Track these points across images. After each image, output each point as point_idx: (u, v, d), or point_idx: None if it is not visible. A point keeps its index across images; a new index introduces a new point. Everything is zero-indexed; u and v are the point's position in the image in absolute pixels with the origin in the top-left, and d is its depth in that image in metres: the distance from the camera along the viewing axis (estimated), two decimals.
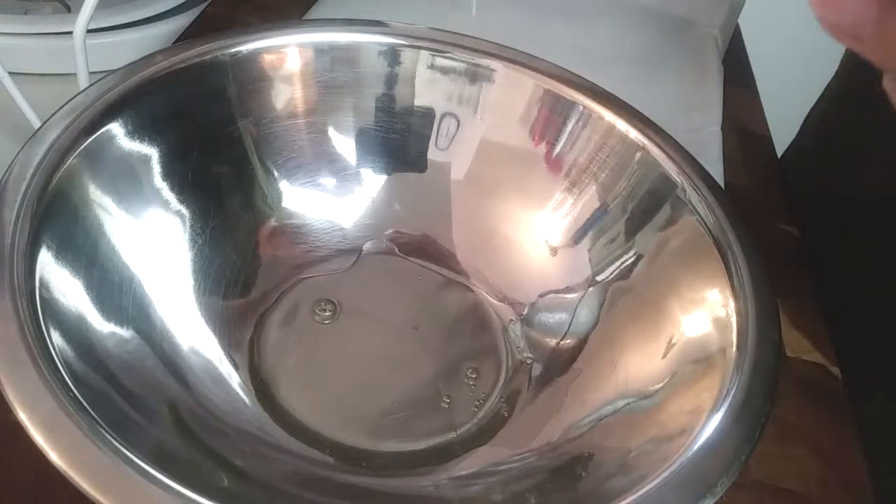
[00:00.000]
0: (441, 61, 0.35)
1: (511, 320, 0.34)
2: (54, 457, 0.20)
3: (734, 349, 0.26)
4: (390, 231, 0.36)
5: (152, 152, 0.30)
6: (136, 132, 0.30)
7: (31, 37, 0.48)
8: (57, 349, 0.23)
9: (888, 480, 0.33)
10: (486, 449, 0.29)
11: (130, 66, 0.31)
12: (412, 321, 0.33)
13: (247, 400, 0.29)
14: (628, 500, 0.22)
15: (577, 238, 0.34)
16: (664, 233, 0.31)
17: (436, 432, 0.30)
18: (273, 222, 0.35)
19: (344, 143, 0.36)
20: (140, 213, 0.30)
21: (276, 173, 0.35)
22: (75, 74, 0.37)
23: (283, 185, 0.35)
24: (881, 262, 0.42)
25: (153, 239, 0.30)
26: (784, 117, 0.57)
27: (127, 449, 0.20)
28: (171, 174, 0.31)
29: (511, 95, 0.35)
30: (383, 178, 0.36)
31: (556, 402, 0.30)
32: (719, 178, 0.42)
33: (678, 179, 0.31)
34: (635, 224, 0.32)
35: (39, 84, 0.45)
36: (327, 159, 0.36)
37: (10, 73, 0.39)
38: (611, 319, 0.31)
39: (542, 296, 0.34)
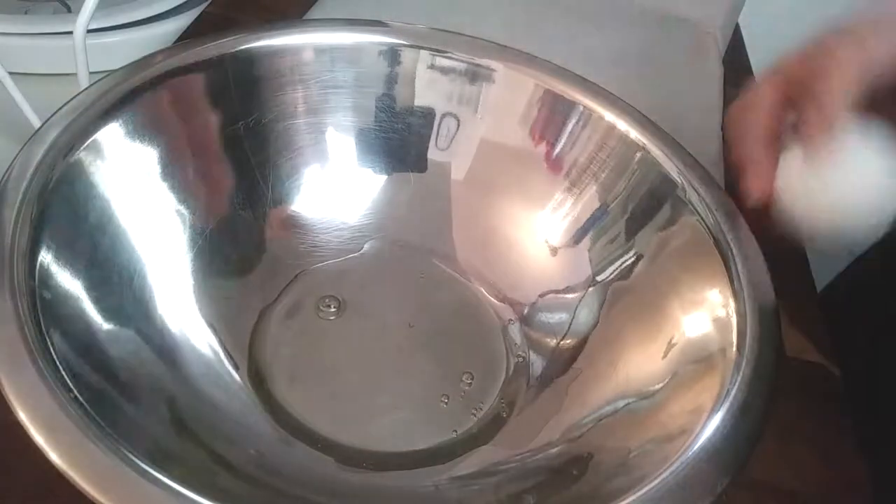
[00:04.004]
0: (441, 61, 0.35)
1: (511, 320, 0.34)
2: (54, 457, 0.20)
3: (734, 349, 0.26)
4: (391, 230, 0.36)
5: (152, 152, 0.30)
6: (137, 132, 0.30)
7: (31, 37, 0.48)
8: (57, 349, 0.23)
9: (888, 480, 0.33)
10: (486, 449, 0.29)
11: (130, 66, 0.31)
12: (412, 321, 0.33)
13: (247, 400, 0.29)
14: (628, 500, 0.22)
15: (577, 238, 0.34)
16: (664, 233, 0.31)
17: (436, 432, 0.30)
18: (273, 222, 0.35)
19: (344, 143, 0.36)
20: (140, 214, 0.30)
21: (276, 173, 0.35)
22: (75, 74, 0.37)
23: (284, 185, 0.35)
24: (881, 261, 0.42)
25: (153, 239, 0.30)
26: None
27: (127, 449, 0.20)
28: (171, 174, 0.31)
29: (511, 95, 0.35)
30: (383, 178, 0.36)
31: (556, 402, 0.30)
32: (719, 178, 0.42)
33: (678, 179, 0.31)
34: (635, 224, 0.32)
35: (39, 84, 0.45)
36: (327, 159, 0.36)
37: (10, 73, 0.39)
38: (611, 319, 0.31)
39: (542, 296, 0.34)
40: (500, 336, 0.33)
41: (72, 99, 0.29)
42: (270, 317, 0.32)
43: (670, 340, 0.29)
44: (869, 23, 0.24)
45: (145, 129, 0.30)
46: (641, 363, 0.29)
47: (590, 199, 0.34)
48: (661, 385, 0.27)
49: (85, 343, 0.25)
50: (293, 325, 0.32)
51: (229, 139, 0.33)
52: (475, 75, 0.36)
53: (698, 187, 0.31)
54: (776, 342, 0.26)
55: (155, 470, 0.20)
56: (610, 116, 0.34)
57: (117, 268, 0.28)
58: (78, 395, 0.21)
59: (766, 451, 0.32)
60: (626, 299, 0.31)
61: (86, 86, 0.30)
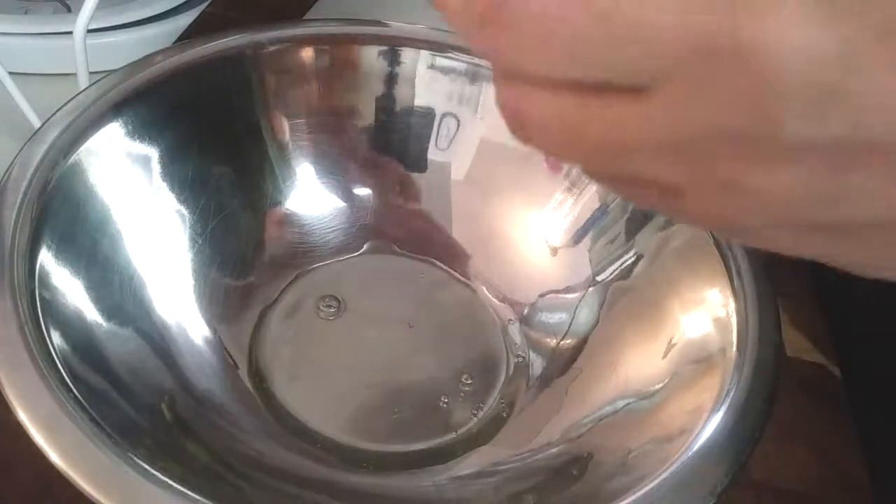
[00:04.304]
0: (441, 61, 0.35)
1: (511, 320, 0.34)
2: (54, 457, 0.20)
3: (734, 349, 0.26)
4: (391, 231, 0.36)
5: (152, 152, 0.30)
6: (136, 132, 0.30)
7: (31, 37, 0.48)
8: (57, 349, 0.23)
9: (888, 480, 0.33)
10: (486, 449, 0.29)
11: (130, 66, 0.31)
12: (412, 320, 0.33)
13: (247, 400, 0.29)
14: (628, 500, 0.22)
15: (577, 238, 0.34)
16: (664, 233, 0.31)
17: (435, 432, 0.30)
18: (273, 222, 0.35)
19: (344, 143, 0.36)
20: (140, 213, 0.30)
21: (276, 173, 0.35)
22: (75, 74, 0.37)
23: (283, 185, 0.35)
24: None
25: (153, 239, 0.30)
26: None
27: (127, 449, 0.20)
28: (172, 174, 0.31)
29: None
30: (383, 178, 0.36)
31: (556, 402, 0.30)
32: None
33: None
34: (635, 224, 0.32)
35: (39, 84, 0.45)
36: (327, 159, 0.36)
37: (10, 73, 0.39)
38: (611, 319, 0.31)
39: (542, 296, 0.34)
40: (500, 336, 0.33)
41: (72, 99, 0.29)
42: (270, 317, 0.32)
43: (670, 340, 0.29)
44: None
45: (145, 129, 0.30)
46: (641, 363, 0.29)
47: (590, 199, 0.34)
48: (661, 385, 0.27)
49: (85, 343, 0.25)
50: (293, 325, 0.32)
51: (229, 139, 0.33)
52: (475, 75, 0.35)
53: None
54: (776, 342, 0.26)
55: (155, 470, 0.20)
56: None
57: (117, 268, 0.28)
58: (78, 395, 0.21)
59: (766, 451, 0.32)
60: (626, 299, 0.31)
61: (86, 86, 0.30)
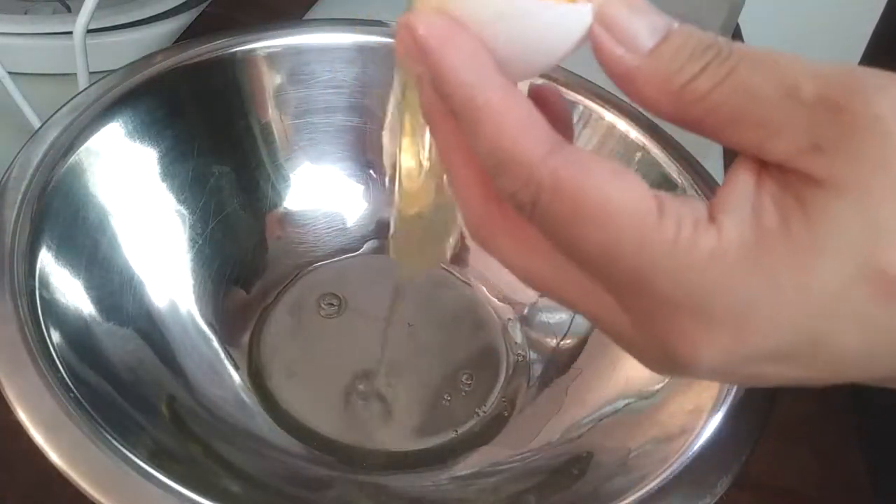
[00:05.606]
0: None
1: (510, 319, 0.34)
2: (54, 457, 0.20)
3: None
4: (390, 230, 0.36)
5: (152, 152, 0.30)
6: (136, 132, 0.30)
7: (31, 37, 0.48)
8: (57, 349, 0.23)
9: (888, 480, 0.33)
10: (486, 449, 0.29)
11: (130, 66, 0.31)
12: (413, 320, 0.33)
13: (246, 399, 0.29)
14: (628, 501, 0.22)
15: None
16: None
17: (436, 432, 0.30)
18: (273, 222, 0.35)
19: (344, 144, 0.36)
20: (140, 213, 0.30)
21: (275, 173, 0.35)
22: (75, 74, 0.37)
23: (284, 186, 0.35)
24: None
25: (153, 239, 0.30)
26: None
27: (127, 449, 0.20)
28: (171, 174, 0.31)
29: None
30: (383, 178, 0.36)
31: (556, 402, 0.30)
32: (719, 178, 0.42)
33: (678, 179, 0.31)
34: None
35: (39, 84, 0.45)
36: (327, 159, 0.36)
37: (10, 73, 0.39)
38: None
39: (542, 295, 0.34)
40: (500, 335, 0.33)
41: (72, 99, 0.29)
42: (270, 316, 0.32)
43: None
44: None
45: (145, 129, 0.30)
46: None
47: None
48: (660, 385, 0.27)
49: (85, 343, 0.25)
50: (293, 325, 0.32)
51: (229, 139, 0.33)
52: None
53: (698, 188, 0.31)
54: None
55: (155, 470, 0.20)
56: (610, 116, 0.34)
57: (117, 267, 0.28)
58: (78, 395, 0.21)
59: (766, 451, 0.32)
60: None
61: (86, 86, 0.30)
